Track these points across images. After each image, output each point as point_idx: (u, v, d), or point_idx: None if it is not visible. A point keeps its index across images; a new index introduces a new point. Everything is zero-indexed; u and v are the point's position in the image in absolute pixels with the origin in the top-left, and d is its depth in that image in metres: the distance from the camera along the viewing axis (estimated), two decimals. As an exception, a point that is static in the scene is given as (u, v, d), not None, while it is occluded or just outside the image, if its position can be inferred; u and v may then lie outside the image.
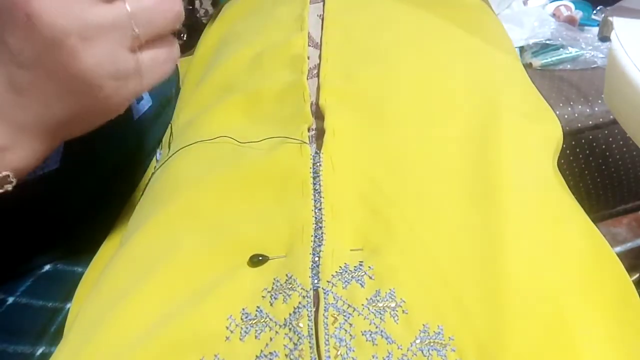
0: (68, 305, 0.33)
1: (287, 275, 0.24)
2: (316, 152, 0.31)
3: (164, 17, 0.27)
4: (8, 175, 0.26)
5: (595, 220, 0.30)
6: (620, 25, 0.43)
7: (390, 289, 0.24)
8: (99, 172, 0.38)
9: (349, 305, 0.23)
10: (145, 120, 0.40)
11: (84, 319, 0.27)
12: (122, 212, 0.39)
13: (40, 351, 0.32)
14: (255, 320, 0.23)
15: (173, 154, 0.36)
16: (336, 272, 0.24)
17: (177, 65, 0.29)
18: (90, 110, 0.27)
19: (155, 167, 0.41)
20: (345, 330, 0.22)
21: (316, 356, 0.21)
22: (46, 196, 0.36)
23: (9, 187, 0.26)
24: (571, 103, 0.76)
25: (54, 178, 0.35)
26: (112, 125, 0.29)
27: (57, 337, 0.32)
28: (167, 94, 0.44)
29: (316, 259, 0.25)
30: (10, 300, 0.33)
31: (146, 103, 0.40)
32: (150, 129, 0.41)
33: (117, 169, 0.40)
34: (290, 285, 0.24)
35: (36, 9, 0.23)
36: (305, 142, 0.31)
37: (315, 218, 0.27)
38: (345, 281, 0.24)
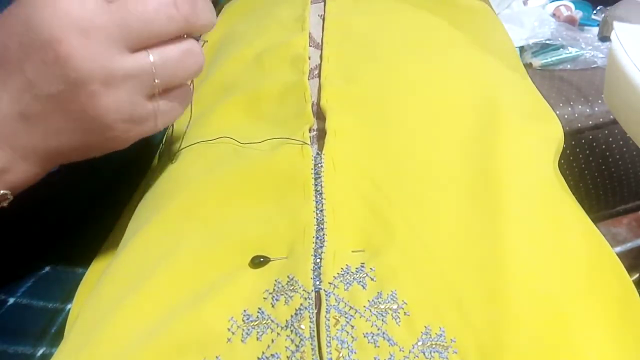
0: (69, 306, 0.33)
1: (288, 276, 0.24)
2: (317, 153, 0.31)
3: (186, 70, 0.28)
4: (6, 194, 0.27)
5: (595, 220, 0.30)
6: (620, 25, 0.43)
7: (392, 291, 0.24)
8: (99, 174, 0.38)
9: (351, 307, 0.23)
10: None
11: (85, 319, 0.26)
12: (123, 213, 0.39)
13: (40, 352, 0.32)
14: (257, 322, 0.23)
15: (174, 155, 0.36)
16: (338, 273, 0.24)
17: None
18: (95, 145, 0.28)
19: (155, 167, 0.41)
20: (347, 332, 0.22)
21: (318, 358, 0.21)
22: (45, 198, 0.36)
23: (5, 204, 0.28)
24: (571, 103, 0.76)
25: (53, 181, 0.35)
26: None
27: (57, 338, 0.32)
28: None
29: (318, 260, 0.25)
30: (11, 301, 0.33)
31: None
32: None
33: (118, 172, 0.40)
34: (292, 287, 0.24)
35: (66, 51, 0.24)
36: (306, 143, 0.31)
37: (317, 219, 0.27)
38: (347, 283, 0.24)
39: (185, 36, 0.27)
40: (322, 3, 0.45)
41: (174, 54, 0.27)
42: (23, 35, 0.24)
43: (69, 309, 0.33)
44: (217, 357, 0.22)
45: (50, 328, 0.33)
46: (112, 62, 0.25)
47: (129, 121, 0.27)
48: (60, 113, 0.26)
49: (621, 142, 0.76)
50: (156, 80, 0.26)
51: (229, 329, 0.23)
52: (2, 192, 0.27)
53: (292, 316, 0.23)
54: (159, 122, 0.28)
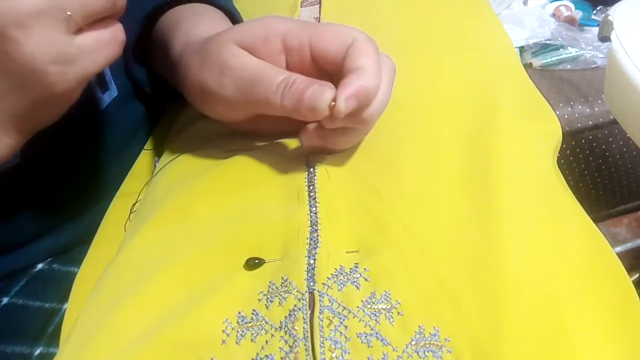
0: (65, 306, 0.33)
1: (282, 278, 0.24)
2: (312, 165, 0.31)
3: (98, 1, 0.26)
4: None
5: (595, 220, 0.30)
6: (620, 25, 0.43)
7: (385, 291, 0.24)
8: (70, 165, 0.38)
9: (344, 308, 0.23)
10: (113, 111, 0.40)
11: (83, 322, 0.27)
12: (114, 208, 0.39)
13: (38, 352, 0.32)
14: (251, 324, 0.23)
15: (174, 158, 0.36)
16: (332, 274, 0.24)
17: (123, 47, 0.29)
18: (44, 100, 0.27)
19: (155, 168, 0.41)
20: (341, 333, 0.22)
21: (312, 359, 0.21)
22: (39, 196, 0.36)
23: None
24: (571, 103, 0.76)
25: (47, 178, 0.35)
26: (78, 116, 0.30)
27: (55, 337, 0.32)
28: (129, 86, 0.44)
29: (312, 261, 0.25)
30: (5, 300, 0.33)
31: (112, 93, 0.40)
32: (119, 119, 0.41)
33: (91, 162, 0.40)
34: (286, 288, 0.24)
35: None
36: (301, 157, 0.31)
37: (311, 221, 0.27)
38: (341, 283, 0.24)
39: None
40: (318, 5, 0.45)
41: None
42: None
43: (66, 309, 0.33)
44: (212, 359, 0.22)
45: (48, 328, 0.33)
46: (16, 2, 0.24)
47: (59, 61, 0.25)
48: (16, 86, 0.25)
49: (621, 142, 0.76)
50: (68, 13, 0.25)
51: (223, 331, 0.23)
52: None
53: (286, 317, 0.23)
54: (91, 59, 0.27)
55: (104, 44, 0.27)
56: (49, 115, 0.28)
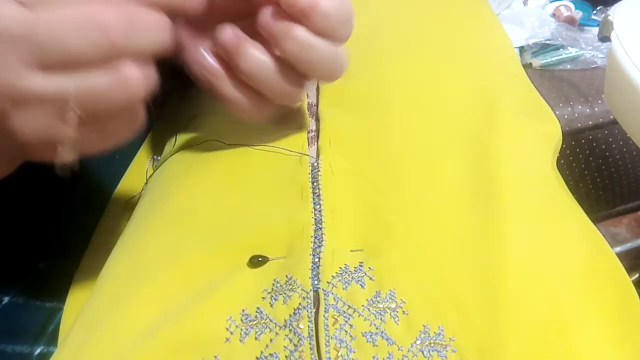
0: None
1: (287, 276, 0.24)
2: (315, 161, 0.31)
3: (113, 102, 0.23)
4: None
5: (595, 220, 0.30)
6: (620, 25, 0.43)
7: (390, 290, 0.24)
8: (92, 169, 0.38)
9: (349, 306, 0.23)
10: None
11: (84, 320, 0.26)
12: (113, 206, 0.39)
13: (38, 351, 0.32)
14: (255, 322, 0.23)
15: (172, 154, 0.36)
16: (336, 272, 0.24)
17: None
18: (25, 152, 0.25)
19: (154, 167, 0.41)
20: (346, 332, 0.22)
21: (317, 357, 0.21)
22: (38, 195, 0.35)
23: None
24: (571, 103, 0.76)
25: (45, 176, 0.35)
26: None
27: (55, 336, 0.32)
28: None
29: (316, 259, 0.25)
30: (6, 299, 0.33)
31: None
32: None
33: (90, 160, 0.40)
34: (290, 286, 0.24)
35: None
36: (305, 154, 0.31)
37: (315, 219, 0.27)
38: (346, 282, 0.24)
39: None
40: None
41: (99, 82, 0.22)
42: None
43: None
44: (215, 357, 0.22)
45: (48, 327, 0.33)
46: (19, 79, 0.21)
47: (48, 143, 0.23)
48: None
49: (621, 142, 0.76)
50: (76, 110, 0.22)
51: (227, 329, 0.23)
52: None
53: (290, 315, 0.23)
54: (87, 148, 0.24)
55: (108, 136, 0.24)
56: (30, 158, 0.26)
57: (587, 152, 0.76)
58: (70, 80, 0.22)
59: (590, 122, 0.75)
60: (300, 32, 0.26)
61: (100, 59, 0.22)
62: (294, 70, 0.28)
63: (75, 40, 0.21)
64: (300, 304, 0.23)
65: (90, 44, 0.21)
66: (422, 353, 0.21)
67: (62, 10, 0.21)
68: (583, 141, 0.75)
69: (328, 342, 0.22)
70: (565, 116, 0.75)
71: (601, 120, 0.75)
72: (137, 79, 0.23)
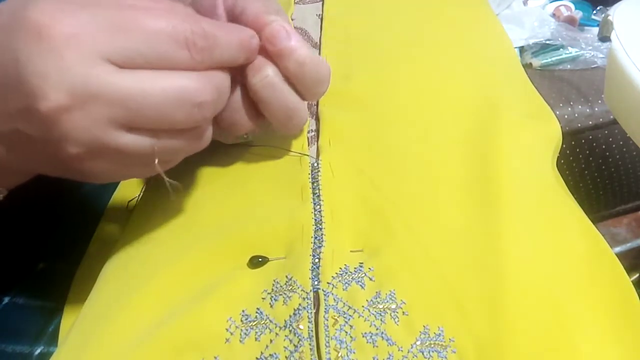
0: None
1: (287, 276, 0.24)
2: (315, 161, 0.31)
3: (187, 153, 0.26)
4: (0, 191, 0.26)
5: (595, 220, 0.30)
6: (620, 25, 0.43)
7: (390, 291, 0.24)
8: None
9: (350, 307, 0.23)
10: None
11: (84, 320, 0.26)
12: (114, 205, 0.39)
13: (38, 351, 0.32)
14: (255, 322, 0.23)
15: None
16: (336, 273, 0.24)
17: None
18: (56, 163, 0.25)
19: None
20: (346, 332, 0.22)
21: (317, 358, 0.21)
22: (38, 196, 0.35)
23: (0, 197, 0.27)
24: (571, 103, 0.76)
25: (46, 178, 0.35)
26: None
27: (55, 336, 0.32)
28: None
29: (316, 260, 0.25)
30: (6, 300, 0.33)
31: None
32: None
33: None
34: (290, 287, 0.24)
35: (51, 112, 0.21)
36: (305, 154, 0.31)
37: (315, 219, 0.27)
38: (346, 283, 0.24)
39: None
40: (320, 3, 0.45)
41: (179, 142, 0.24)
42: (9, 70, 0.21)
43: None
44: (215, 358, 0.22)
45: (48, 327, 0.33)
46: (106, 135, 0.22)
47: (116, 178, 0.25)
48: (40, 153, 0.23)
49: (621, 142, 0.76)
50: (155, 162, 0.23)
51: (227, 329, 0.23)
52: None
53: (290, 316, 0.23)
54: (120, 164, 0.24)
55: (146, 157, 0.24)
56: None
57: (587, 152, 0.76)
58: (154, 141, 0.23)
59: (590, 122, 0.75)
60: (270, 71, 0.27)
61: (189, 126, 0.23)
62: (253, 106, 0.28)
63: (170, 111, 0.22)
64: (300, 304, 0.23)
65: (185, 116, 0.23)
66: (422, 354, 0.22)
67: (157, 79, 0.22)
68: (583, 141, 0.75)
69: (328, 342, 0.22)
70: (565, 116, 0.75)
71: (601, 120, 0.75)
72: (209, 133, 0.26)
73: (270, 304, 0.24)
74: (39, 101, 0.20)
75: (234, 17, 0.27)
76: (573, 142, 0.75)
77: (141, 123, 0.22)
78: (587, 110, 0.75)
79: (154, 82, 0.22)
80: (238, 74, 0.27)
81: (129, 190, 0.39)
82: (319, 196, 0.28)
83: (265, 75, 0.26)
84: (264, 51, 0.27)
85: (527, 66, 0.85)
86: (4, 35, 0.21)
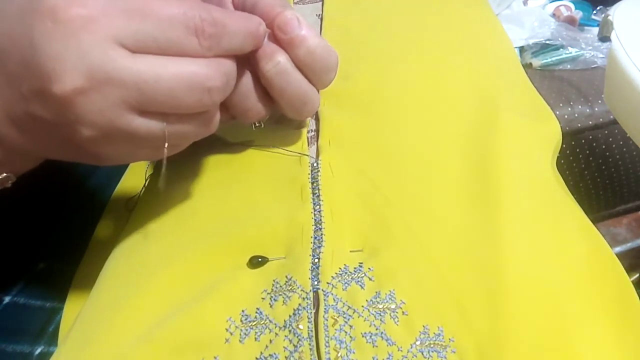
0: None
1: (286, 276, 0.24)
2: (315, 161, 0.31)
3: (196, 137, 0.26)
4: (8, 177, 0.26)
5: (595, 220, 0.30)
6: (620, 25, 0.43)
7: (390, 291, 0.24)
8: (69, 163, 0.38)
9: (349, 307, 0.23)
10: None
11: (84, 320, 0.26)
12: (113, 205, 0.39)
13: (39, 350, 0.32)
14: (255, 322, 0.23)
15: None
16: (336, 273, 0.24)
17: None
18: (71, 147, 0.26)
19: (154, 166, 0.41)
20: (346, 332, 0.22)
21: (316, 358, 0.21)
22: (39, 194, 0.36)
23: (9, 184, 0.27)
24: (571, 103, 0.76)
25: (47, 177, 0.35)
26: None
27: (55, 336, 0.32)
28: None
29: (316, 260, 0.25)
30: (7, 299, 0.33)
31: None
32: None
33: (112, 168, 0.40)
34: (290, 287, 0.24)
35: (67, 96, 0.21)
36: (305, 154, 0.31)
37: (315, 219, 0.27)
38: (345, 283, 0.24)
39: None
40: (320, 3, 0.45)
41: (189, 127, 0.25)
42: (25, 52, 0.21)
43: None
44: (215, 358, 0.22)
45: (49, 327, 0.33)
46: (118, 118, 0.22)
47: (127, 160, 0.26)
48: (53, 136, 0.24)
49: (621, 142, 0.76)
50: (165, 146, 0.24)
51: (227, 329, 0.23)
52: (4, 175, 0.26)
53: (290, 316, 0.23)
54: (133, 147, 0.25)
55: (157, 140, 0.24)
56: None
57: (587, 152, 0.76)
58: (166, 124, 0.24)
59: (590, 122, 0.75)
60: (282, 58, 0.27)
61: (198, 111, 0.24)
62: (266, 93, 0.28)
63: (181, 95, 0.23)
64: (300, 304, 0.23)
65: (195, 100, 0.23)
66: (422, 354, 0.22)
67: (168, 64, 0.22)
68: (583, 141, 0.75)
69: (328, 342, 0.22)
70: (565, 116, 0.75)
71: (601, 120, 0.75)
72: (217, 118, 0.26)
73: (270, 304, 0.24)
74: (54, 84, 0.21)
75: (244, 10, 0.28)
76: (573, 142, 0.75)
77: (153, 107, 0.23)
78: (587, 110, 0.75)
79: (166, 68, 0.22)
80: (248, 62, 0.27)
81: (128, 190, 0.39)
82: (318, 196, 0.28)
83: (277, 62, 0.27)
84: (273, 39, 0.27)
85: (527, 66, 0.85)
86: (19, 17, 0.21)
